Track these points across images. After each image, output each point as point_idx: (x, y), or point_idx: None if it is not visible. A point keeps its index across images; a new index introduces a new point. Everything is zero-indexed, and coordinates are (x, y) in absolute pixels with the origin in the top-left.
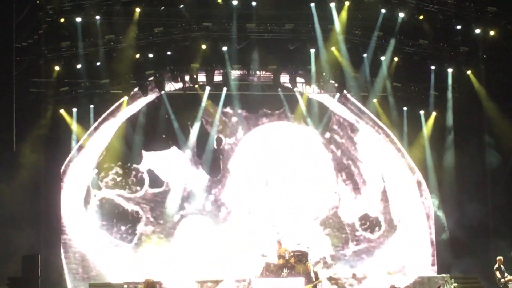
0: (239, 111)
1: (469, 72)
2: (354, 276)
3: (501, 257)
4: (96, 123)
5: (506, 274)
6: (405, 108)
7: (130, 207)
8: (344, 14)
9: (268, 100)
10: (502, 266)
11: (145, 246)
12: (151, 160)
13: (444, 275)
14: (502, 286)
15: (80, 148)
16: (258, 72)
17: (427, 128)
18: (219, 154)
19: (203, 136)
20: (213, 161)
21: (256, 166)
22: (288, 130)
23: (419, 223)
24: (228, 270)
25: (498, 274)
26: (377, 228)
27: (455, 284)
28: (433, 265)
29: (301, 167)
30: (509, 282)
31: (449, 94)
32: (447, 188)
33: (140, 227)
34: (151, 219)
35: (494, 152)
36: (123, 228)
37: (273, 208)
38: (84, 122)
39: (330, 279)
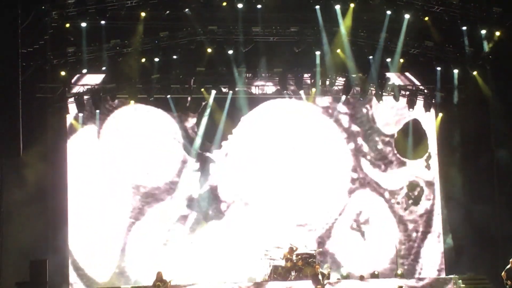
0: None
1: (475, 73)
2: (361, 277)
3: None
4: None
5: None
6: (411, 110)
7: (134, 206)
8: (349, 16)
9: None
10: None
11: (148, 248)
12: (156, 162)
13: (452, 276)
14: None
15: (87, 152)
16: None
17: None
18: (224, 155)
19: (209, 137)
20: (218, 160)
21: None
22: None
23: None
24: (234, 270)
25: (504, 274)
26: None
27: (463, 285)
28: (441, 266)
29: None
30: None
31: (455, 95)
32: (454, 190)
33: (145, 228)
34: (155, 221)
35: (503, 151)
36: (128, 230)
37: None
38: (90, 127)
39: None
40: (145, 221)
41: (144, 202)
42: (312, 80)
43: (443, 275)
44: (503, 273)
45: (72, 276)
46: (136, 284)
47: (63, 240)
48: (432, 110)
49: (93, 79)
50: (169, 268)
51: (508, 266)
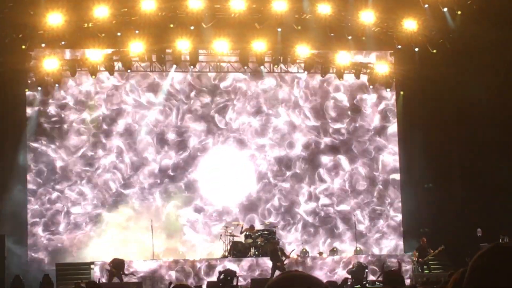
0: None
1: (434, 51)
2: (320, 254)
3: (424, 238)
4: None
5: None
6: (371, 87)
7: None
8: None
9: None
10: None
11: (109, 226)
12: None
13: (409, 253)
14: (420, 265)
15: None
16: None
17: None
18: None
19: (167, 113)
20: (178, 137)
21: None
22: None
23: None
24: (194, 247)
25: (416, 252)
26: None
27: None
28: (399, 242)
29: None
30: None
31: (416, 73)
32: (413, 170)
33: (105, 206)
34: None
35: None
36: (88, 208)
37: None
38: (51, 102)
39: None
40: (109, 194)
41: (106, 173)
42: (273, 57)
43: (401, 251)
44: (414, 251)
45: (31, 250)
46: (97, 259)
47: (22, 215)
48: (394, 89)
49: (53, 54)
50: (126, 245)
51: (419, 245)
